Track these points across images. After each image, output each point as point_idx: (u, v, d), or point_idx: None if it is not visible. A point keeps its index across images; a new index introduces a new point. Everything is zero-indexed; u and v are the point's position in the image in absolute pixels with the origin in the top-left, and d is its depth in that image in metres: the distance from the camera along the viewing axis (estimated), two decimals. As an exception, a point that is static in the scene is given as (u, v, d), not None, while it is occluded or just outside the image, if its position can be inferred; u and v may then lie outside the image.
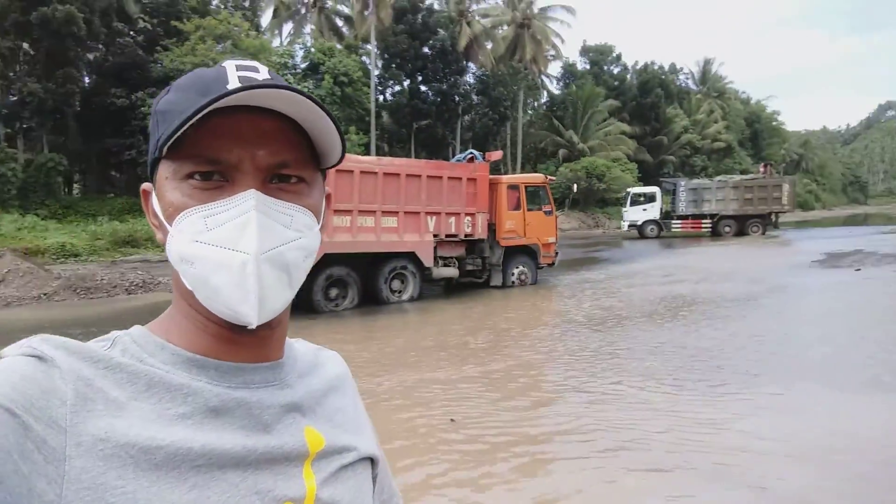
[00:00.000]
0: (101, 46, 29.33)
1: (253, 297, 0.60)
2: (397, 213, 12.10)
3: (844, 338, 8.43)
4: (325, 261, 11.22)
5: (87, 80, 29.61)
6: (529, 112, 51.38)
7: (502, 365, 7.48)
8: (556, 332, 9.43)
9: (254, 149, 0.61)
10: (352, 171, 11.41)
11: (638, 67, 58.70)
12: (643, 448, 4.73)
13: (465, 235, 13.32)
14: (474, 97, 41.84)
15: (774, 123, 77.72)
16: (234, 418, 0.62)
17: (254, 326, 0.61)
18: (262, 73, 0.64)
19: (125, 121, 27.44)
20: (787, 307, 11.09)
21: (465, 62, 41.38)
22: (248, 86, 0.58)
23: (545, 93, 52.84)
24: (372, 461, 0.78)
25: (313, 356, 0.79)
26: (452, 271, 13.41)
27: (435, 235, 12.78)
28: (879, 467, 4.31)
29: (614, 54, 57.84)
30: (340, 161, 0.68)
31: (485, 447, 4.86)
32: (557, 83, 54.39)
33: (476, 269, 13.98)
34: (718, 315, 10.26)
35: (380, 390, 6.48)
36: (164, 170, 0.62)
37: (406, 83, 39.53)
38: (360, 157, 13.10)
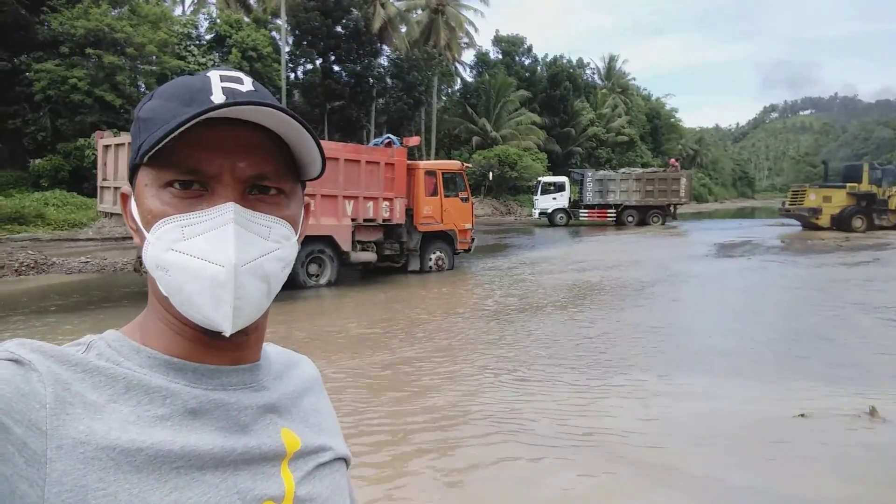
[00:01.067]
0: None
1: (227, 307, 0.60)
2: (314, 196, 11.76)
3: (730, 325, 9.02)
4: (306, 239, 10.76)
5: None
6: (444, 98, 51.50)
7: (396, 355, 7.34)
8: (461, 321, 9.37)
9: (234, 160, 0.62)
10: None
11: (548, 60, 60.04)
12: (523, 431, 4.84)
13: (383, 220, 13.18)
14: (388, 80, 41.28)
15: (672, 120, 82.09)
16: (213, 419, 0.63)
17: (227, 335, 0.62)
18: (246, 85, 0.65)
19: (8, 87, 24.97)
20: (684, 295, 11.77)
21: (379, 44, 40.73)
22: (233, 102, 0.59)
23: (459, 80, 53.05)
24: (346, 462, 0.80)
25: (286, 359, 0.80)
26: (370, 256, 13.24)
27: (353, 220, 12.56)
28: (739, 439, 4.74)
29: (525, 45, 58.84)
30: (321, 174, 0.70)
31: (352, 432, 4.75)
32: (471, 71, 54.82)
33: (394, 254, 13.87)
34: (616, 305, 10.56)
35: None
36: (144, 177, 0.63)
37: (318, 62, 38.43)
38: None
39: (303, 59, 38.64)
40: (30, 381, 0.54)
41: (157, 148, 0.59)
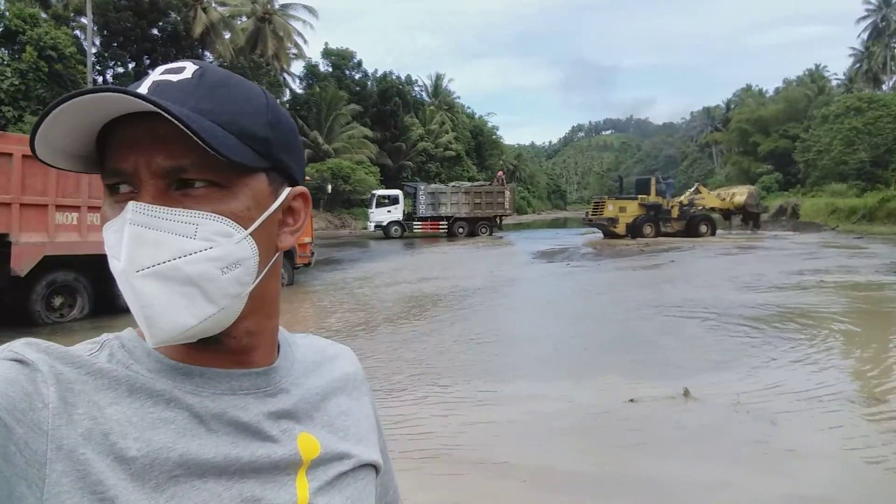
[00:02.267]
0: None
1: (140, 317, 0.57)
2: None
3: (552, 330, 9.76)
4: (46, 264, 9.52)
5: None
6: (276, 109, 49.79)
7: None
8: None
9: (150, 155, 0.57)
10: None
11: (378, 75, 60.97)
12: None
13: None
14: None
15: (494, 137, 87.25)
16: (220, 424, 0.60)
17: (152, 346, 0.59)
18: (184, 74, 0.60)
19: None
20: (511, 302, 12.65)
21: (200, 50, 38.63)
22: (99, 88, 0.54)
23: (288, 91, 51.88)
24: (375, 468, 0.75)
25: (317, 354, 0.76)
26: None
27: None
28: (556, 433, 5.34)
29: (355, 60, 59.19)
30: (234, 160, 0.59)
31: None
32: (300, 83, 53.91)
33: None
34: (448, 318, 10.69)
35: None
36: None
37: (131, 66, 35.40)
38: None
39: (112, 62, 35.36)
40: (34, 381, 0.53)
41: (32, 145, 0.55)
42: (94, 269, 10.13)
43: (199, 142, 0.55)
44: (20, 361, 0.54)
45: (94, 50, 32.52)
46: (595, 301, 12.46)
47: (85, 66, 30.17)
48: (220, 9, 41.35)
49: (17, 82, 26.74)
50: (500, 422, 5.51)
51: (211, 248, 0.58)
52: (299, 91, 52.58)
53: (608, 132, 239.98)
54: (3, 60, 26.85)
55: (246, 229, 0.61)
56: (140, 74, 34.58)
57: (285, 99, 51.91)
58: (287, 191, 0.67)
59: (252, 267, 0.62)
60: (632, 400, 5.87)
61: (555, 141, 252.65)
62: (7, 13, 28.52)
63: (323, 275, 16.99)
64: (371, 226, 35.75)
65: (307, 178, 17.66)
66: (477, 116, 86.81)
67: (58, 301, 10.07)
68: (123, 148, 0.58)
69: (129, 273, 0.56)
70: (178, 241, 0.57)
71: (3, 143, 9.18)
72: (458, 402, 6.06)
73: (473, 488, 4.28)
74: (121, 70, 35.72)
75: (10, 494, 0.49)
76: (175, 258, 0.57)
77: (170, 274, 0.56)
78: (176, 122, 0.53)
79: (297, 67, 54.18)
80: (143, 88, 0.58)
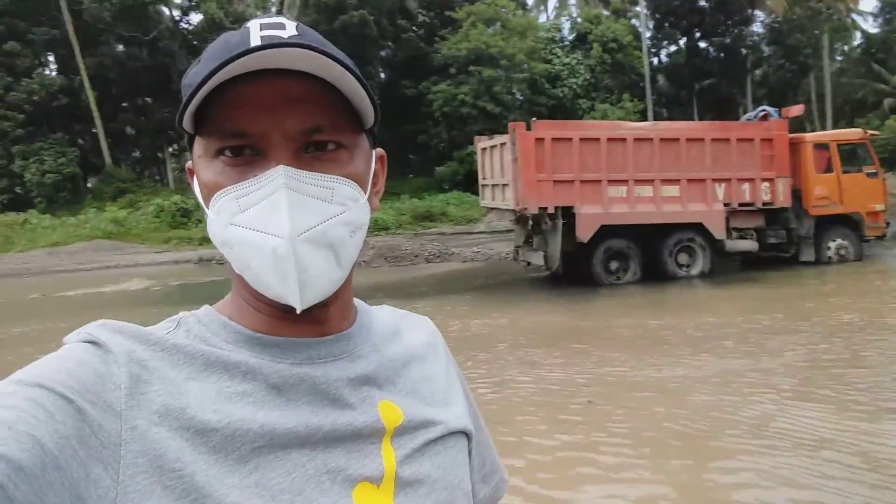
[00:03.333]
0: (389, 44, 32.75)
1: (293, 282, 0.56)
2: (679, 181, 11.07)
3: None
4: (602, 232, 10.88)
5: (382, 75, 33.43)
6: (838, 59, 43.25)
7: (725, 364, 6.06)
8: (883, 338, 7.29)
9: (282, 116, 0.56)
10: (625, 139, 10.83)
11: None
12: None
13: (764, 204, 11.53)
14: (765, 48, 36.66)
15: None
16: (299, 394, 0.59)
17: (299, 311, 0.58)
18: (289, 30, 0.58)
19: (415, 109, 30.46)
20: None
21: (750, 10, 36.37)
22: (258, 46, 0.53)
23: (858, 34, 43.89)
24: (467, 435, 0.72)
25: (395, 324, 0.74)
26: (751, 244, 11.75)
27: (726, 204, 11.31)
28: None
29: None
30: (376, 122, 0.63)
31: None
32: (874, 20, 44.76)
33: (780, 243, 12.06)
34: None
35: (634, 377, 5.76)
36: (198, 147, 0.59)
37: (682, 41, 36.38)
38: (633, 124, 12.48)
39: (665, 42, 37.11)
40: (106, 361, 0.53)
41: (186, 112, 0.54)
42: (643, 238, 11.24)
43: (370, 102, 0.59)
44: (93, 343, 0.54)
45: (647, 34, 34.79)
46: None
47: (640, 51, 32.71)
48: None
49: (588, 77, 31.27)
50: None
51: (344, 212, 0.59)
52: (874, 31, 43.80)
53: None
54: (578, 60, 31.59)
55: (364, 192, 0.62)
56: (693, 50, 35.12)
57: (855, 43, 44.22)
58: (375, 151, 0.66)
59: (366, 229, 0.63)
60: None
61: None
62: (578, 19, 33.59)
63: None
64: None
65: (874, 132, 14.53)
66: None
67: (613, 265, 11.38)
68: (248, 109, 0.55)
69: (294, 238, 0.55)
70: (322, 206, 0.57)
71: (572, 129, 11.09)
72: None
73: None
74: (672, 48, 37.20)
75: (86, 476, 0.47)
76: (321, 222, 0.57)
77: (317, 238, 0.57)
78: (355, 79, 0.56)
79: (868, 3, 45.08)
80: (254, 43, 0.55)
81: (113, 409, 0.51)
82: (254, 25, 0.58)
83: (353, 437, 0.60)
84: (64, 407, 0.48)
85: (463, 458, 0.71)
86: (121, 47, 32.70)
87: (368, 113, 0.61)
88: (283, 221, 0.55)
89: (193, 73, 0.58)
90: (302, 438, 0.57)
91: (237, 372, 0.58)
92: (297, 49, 0.53)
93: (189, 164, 0.64)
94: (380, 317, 0.73)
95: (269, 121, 0.56)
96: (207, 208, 0.59)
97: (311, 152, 0.58)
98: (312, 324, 0.62)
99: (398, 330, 0.74)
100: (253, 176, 0.56)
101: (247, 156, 0.57)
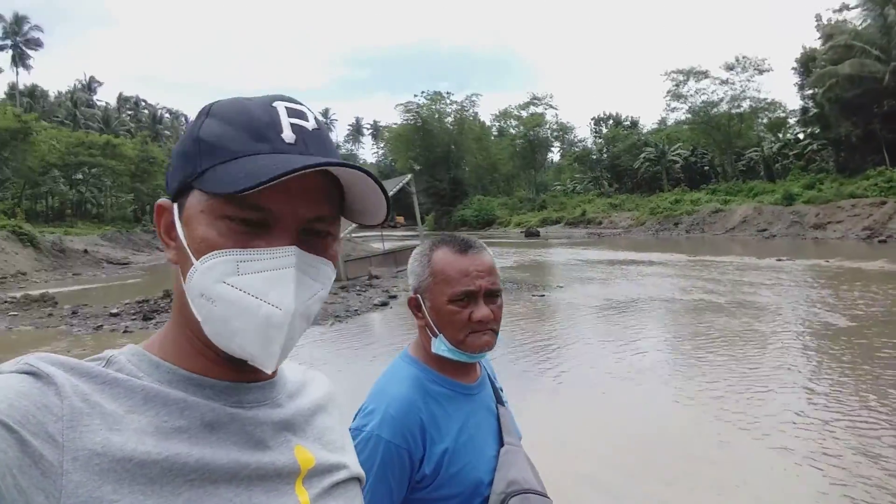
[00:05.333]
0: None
1: (276, 348, 0.61)
2: None
3: None
4: None
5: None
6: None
7: None
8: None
9: (297, 202, 0.62)
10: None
11: None
12: None
13: None
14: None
15: None
16: (229, 434, 0.63)
17: (269, 372, 0.66)
18: (310, 122, 0.65)
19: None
20: None
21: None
22: (326, 162, 0.60)
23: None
24: (360, 481, 0.79)
25: (301, 376, 0.79)
26: None
27: None
28: None
29: None
30: (384, 223, 0.71)
31: None
32: None
33: None
34: None
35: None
36: (198, 202, 0.62)
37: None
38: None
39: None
40: (46, 393, 0.54)
41: (241, 193, 0.58)
42: None
43: (384, 207, 0.67)
44: (34, 374, 0.55)
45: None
46: None
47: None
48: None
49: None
50: None
51: (323, 288, 0.66)
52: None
53: None
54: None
55: (334, 271, 0.69)
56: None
57: None
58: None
59: None
60: None
61: None
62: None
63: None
64: None
65: None
66: None
67: None
68: (272, 190, 0.59)
69: (295, 313, 0.61)
70: (311, 284, 0.64)
71: None
72: None
73: None
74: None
75: None
76: (309, 299, 0.64)
77: (305, 312, 0.64)
78: (382, 193, 0.65)
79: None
80: (287, 133, 0.63)
81: (54, 439, 0.52)
82: (280, 109, 0.64)
83: (273, 476, 0.64)
84: (6, 436, 0.50)
85: (359, 501, 0.77)
86: None
87: (373, 214, 0.69)
88: (288, 296, 0.60)
89: (220, 135, 0.62)
90: (230, 475, 0.60)
91: (175, 408, 0.60)
92: (344, 169, 0.62)
93: (164, 202, 0.66)
94: (288, 369, 0.77)
95: (286, 204, 0.61)
96: (196, 261, 0.61)
97: (306, 236, 0.64)
98: (247, 371, 0.66)
99: (304, 382, 0.79)
100: (257, 247, 0.61)
101: (253, 226, 0.61)
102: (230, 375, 0.66)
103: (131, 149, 47.52)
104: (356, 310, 12.92)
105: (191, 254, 0.62)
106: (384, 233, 29.36)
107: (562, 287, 15.83)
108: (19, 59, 62.63)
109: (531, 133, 68.24)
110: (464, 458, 1.26)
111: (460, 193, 69.40)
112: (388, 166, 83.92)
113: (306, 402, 0.76)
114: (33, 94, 66.17)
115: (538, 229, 49.92)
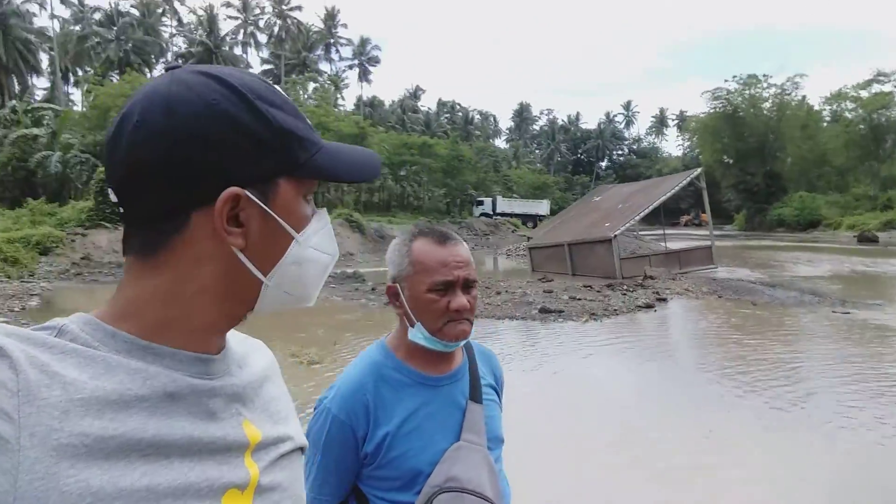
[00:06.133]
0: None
1: (317, 287, 0.76)
2: None
3: None
4: None
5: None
6: None
7: None
8: None
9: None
10: None
11: None
12: None
13: None
14: None
15: None
16: (187, 405, 0.64)
17: (311, 304, 0.76)
18: None
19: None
20: None
21: None
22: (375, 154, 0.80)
23: None
24: (302, 450, 0.81)
25: (242, 345, 0.80)
26: None
27: None
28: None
29: None
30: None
31: None
32: None
33: None
34: None
35: None
36: (292, 186, 0.70)
37: None
38: None
39: None
40: (1, 368, 0.53)
41: (358, 182, 0.75)
42: None
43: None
44: None
45: None
46: None
47: None
48: None
49: None
50: None
51: None
52: None
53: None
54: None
55: None
56: None
57: None
58: None
59: None
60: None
61: None
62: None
63: None
64: None
65: None
66: None
67: None
68: None
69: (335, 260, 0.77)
70: None
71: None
72: None
73: None
74: None
75: None
76: None
77: None
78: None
79: None
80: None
81: (10, 416, 0.52)
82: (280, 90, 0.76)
83: (224, 450, 0.66)
84: None
85: (301, 471, 0.79)
86: None
87: None
88: (335, 244, 0.77)
89: (290, 123, 0.69)
90: (183, 449, 0.62)
91: (138, 377, 0.61)
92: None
93: (237, 191, 0.65)
94: (231, 338, 0.77)
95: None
96: (297, 234, 0.71)
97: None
98: (205, 337, 0.69)
99: (247, 351, 0.80)
100: (314, 214, 0.75)
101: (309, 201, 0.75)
102: (191, 346, 0.67)
103: (443, 148, 53.04)
104: (616, 310, 12.40)
105: (291, 231, 0.70)
106: (667, 231, 27.48)
107: (879, 304, 12.90)
108: (363, 76, 75.06)
109: (874, 116, 56.27)
110: (405, 445, 1.31)
111: (777, 189, 60.46)
112: (693, 159, 78.07)
113: (255, 371, 0.78)
114: (373, 104, 78.29)
115: (877, 234, 40.79)
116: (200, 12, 62.60)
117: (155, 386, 0.61)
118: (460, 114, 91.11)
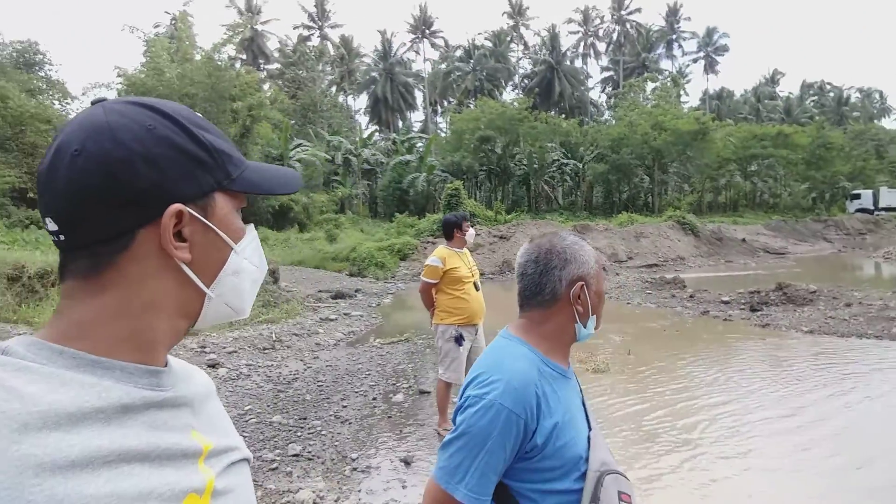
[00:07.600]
0: None
1: (249, 301, 0.81)
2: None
3: None
4: None
5: None
6: None
7: None
8: None
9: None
10: None
11: None
12: None
13: None
14: None
15: None
16: (141, 415, 0.67)
17: (245, 317, 0.82)
18: None
19: None
20: None
21: None
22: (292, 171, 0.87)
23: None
24: (248, 461, 0.84)
25: (182, 366, 0.83)
26: None
27: None
28: None
29: None
30: None
31: None
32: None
33: None
34: None
35: None
36: (227, 201, 0.76)
37: None
38: None
39: None
40: None
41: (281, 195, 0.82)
42: None
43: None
44: None
45: None
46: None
47: None
48: None
49: None
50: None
51: None
52: None
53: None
54: None
55: None
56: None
57: None
58: None
59: None
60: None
61: None
62: None
63: None
64: None
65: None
66: None
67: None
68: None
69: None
70: None
71: None
72: None
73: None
74: None
75: None
76: None
77: None
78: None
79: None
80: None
81: None
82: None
83: (180, 456, 0.68)
84: None
85: (250, 480, 0.83)
86: None
87: None
88: (264, 258, 0.83)
89: (221, 145, 0.76)
90: (143, 455, 0.64)
91: (92, 391, 0.63)
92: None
93: (181, 207, 0.71)
94: (172, 361, 0.80)
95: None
96: (236, 246, 0.77)
97: None
98: (153, 351, 0.72)
99: (188, 370, 0.83)
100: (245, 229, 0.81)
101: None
102: (140, 360, 0.70)
103: (804, 137, 45.80)
104: None
105: (230, 242, 0.76)
106: None
107: None
108: (709, 67, 69.70)
109: None
110: (568, 434, 1.37)
111: None
112: None
113: (198, 388, 0.81)
114: (720, 96, 72.02)
115: None
116: (544, 33, 66.70)
117: (110, 398, 0.63)
118: (831, 94, 77.23)
